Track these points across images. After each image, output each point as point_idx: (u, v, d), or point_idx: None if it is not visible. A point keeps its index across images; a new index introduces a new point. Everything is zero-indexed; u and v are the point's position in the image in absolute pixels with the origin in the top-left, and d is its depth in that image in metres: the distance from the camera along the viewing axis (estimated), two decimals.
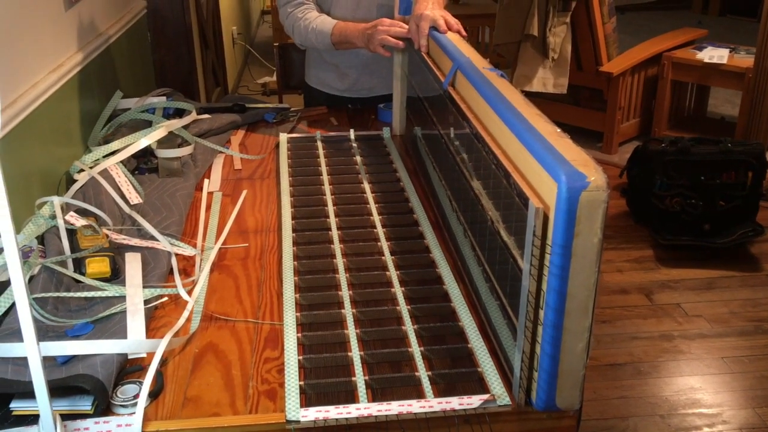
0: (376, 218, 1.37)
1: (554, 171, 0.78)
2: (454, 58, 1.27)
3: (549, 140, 0.85)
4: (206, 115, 1.86)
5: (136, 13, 2.32)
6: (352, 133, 1.82)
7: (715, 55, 3.77)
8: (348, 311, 1.07)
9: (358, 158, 1.67)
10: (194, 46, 3.00)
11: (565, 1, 3.66)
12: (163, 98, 1.89)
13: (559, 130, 0.90)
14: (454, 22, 1.50)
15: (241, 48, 5.75)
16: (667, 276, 2.67)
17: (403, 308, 1.08)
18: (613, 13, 3.85)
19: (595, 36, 3.79)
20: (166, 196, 1.42)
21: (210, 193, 1.51)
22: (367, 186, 1.52)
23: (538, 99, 4.15)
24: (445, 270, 1.19)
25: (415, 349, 0.98)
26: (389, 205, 1.43)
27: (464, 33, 1.50)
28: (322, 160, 1.66)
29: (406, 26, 1.65)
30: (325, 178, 1.55)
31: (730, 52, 3.88)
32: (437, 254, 1.23)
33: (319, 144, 1.76)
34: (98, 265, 1.11)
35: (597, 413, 1.94)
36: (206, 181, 1.56)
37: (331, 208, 1.41)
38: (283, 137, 1.79)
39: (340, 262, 1.21)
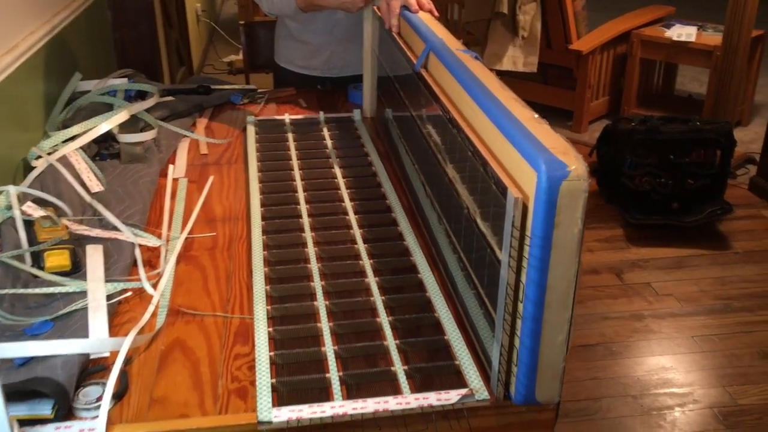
0: (348, 205, 1.34)
1: (533, 160, 0.75)
2: (427, 39, 1.23)
3: (527, 127, 0.82)
4: (170, 98, 1.80)
5: None
6: (321, 116, 1.77)
7: (683, 32, 3.78)
8: (321, 303, 1.03)
9: (329, 142, 1.63)
10: (156, 24, 2.91)
11: None
12: (125, 80, 1.82)
13: (536, 115, 0.88)
14: (426, 2, 1.46)
15: (205, 26, 5.63)
16: (637, 255, 2.68)
17: (378, 299, 1.05)
18: None
19: (565, 14, 3.77)
20: (129, 183, 1.36)
21: (175, 180, 1.46)
22: (338, 171, 1.48)
23: (507, 77, 4.13)
24: (419, 258, 1.16)
25: (390, 342, 0.96)
26: (361, 191, 1.40)
27: (436, 13, 1.46)
28: (291, 144, 1.61)
29: None
30: (295, 163, 1.51)
31: (698, 29, 3.89)
32: (411, 242, 1.21)
33: (288, 127, 1.72)
34: (58, 259, 1.06)
35: (569, 395, 1.94)
36: (171, 167, 1.51)
37: (301, 195, 1.37)
38: (251, 120, 1.74)
39: (311, 251, 1.18)
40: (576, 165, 0.74)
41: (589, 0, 4.07)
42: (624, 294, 2.43)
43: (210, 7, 6.07)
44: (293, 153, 1.56)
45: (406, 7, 1.46)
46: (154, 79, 2.55)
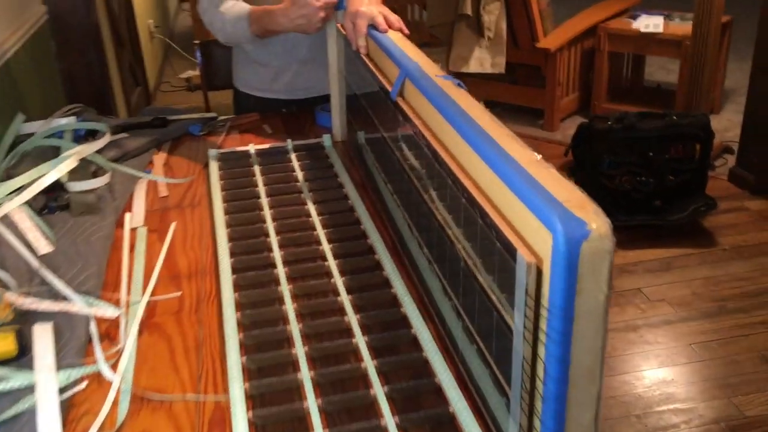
0: (326, 247, 1.22)
1: (546, 218, 0.65)
2: (401, 65, 1.12)
3: (532, 174, 0.72)
4: (123, 135, 1.67)
5: (36, 21, 2.09)
6: (289, 144, 1.65)
7: (650, 23, 3.73)
8: (305, 375, 0.92)
9: (299, 173, 1.51)
10: (105, 48, 2.77)
11: None
12: (73, 118, 1.68)
13: (538, 156, 0.77)
14: (395, 19, 1.35)
15: (160, 42, 5.46)
16: (624, 259, 2.60)
17: (369, 364, 0.94)
18: None
19: (530, 11, 3.69)
20: (81, 240, 1.23)
21: (133, 230, 1.33)
22: (312, 208, 1.36)
23: (475, 79, 4.05)
24: (410, 308, 1.05)
25: (388, 418, 0.84)
26: (339, 230, 1.29)
27: (406, 31, 1.35)
28: (259, 179, 1.49)
29: None
30: (264, 201, 1.39)
31: (665, 19, 3.84)
32: (399, 289, 1.10)
33: (254, 159, 1.59)
34: (1, 344, 0.93)
35: None
36: (127, 215, 1.38)
37: (274, 239, 1.25)
38: (213, 155, 1.61)
39: (289, 308, 1.06)
40: (597, 222, 0.63)
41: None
42: (616, 302, 2.35)
43: (163, 22, 5.90)
44: (261, 189, 1.44)
45: (373, 26, 1.35)
46: (107, 109, 2.41)
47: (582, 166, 3.13)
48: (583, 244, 0.63)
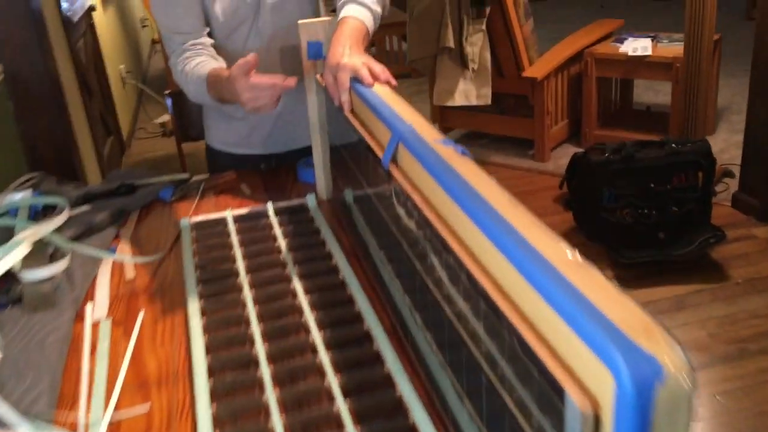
0: (317, 336, 1.07)
1: (604, 353, 0.50)
2: (393, 128, 0.98)
3: (572, 281, 0.57)
4: (85, 207, 1.52)
5: None
6: (270, 207, 1.51)
7: (638, 46, 3.64)
8: None
9: (282, 242, 1.36)
10: (69, 103, 2.62)
11: (478, 7, 3.44)
12: (29, 191, 1.53)
13: (572, 252, 0.63)
14: (381, 70, 1.21)
15: (133, 87, 5.33)
16: (634, 298, 2.46)
17: None
18: (529, 14, 3.67)
19: (514, 41, 3.59)
20: (34, 345, 1.07)
21: (95, 324, 1.17)
22: (298, 285, 1.21)
23: (461, 111, 3.94)
24: (420, 415, 0.90)
25: None
26: (331, 313, 1.14)
27: (394, 82, 1.22)
28: (237, 252, 1.34)
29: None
30: (244, 280, 1.24)
31: (653, 41, 3.76)
32: (405, 388, 0.95)
33: (231, 226, 1.45)
34: None
35: None
36: (89, 305, 1.22)
37: (256, 329, 1.10)
38: (185, 225, 1.46)
39: (277, 421, 0.91)
40: (671, 355, 0.49)
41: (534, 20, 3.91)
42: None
43: (136, 66, 5.78)
44: (240, 265, 1.29)
45: (357, 79, 1.21)
46: (71, 173, 2.26)
47: (579, 198, 3.01)
48: (656, 388, 0.48)
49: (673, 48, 3.59)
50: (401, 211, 1.01)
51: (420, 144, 0.90)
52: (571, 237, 2.96)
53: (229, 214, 1.49)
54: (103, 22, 4.55)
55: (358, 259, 1.31)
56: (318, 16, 1.67)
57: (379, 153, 1.03)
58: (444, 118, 4.13)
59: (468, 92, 3.63)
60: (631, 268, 2.64)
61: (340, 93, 1.22)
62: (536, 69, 3.62)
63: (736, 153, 3.61)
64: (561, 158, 3.90)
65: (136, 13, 6.54)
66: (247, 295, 1.19)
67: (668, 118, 3.89)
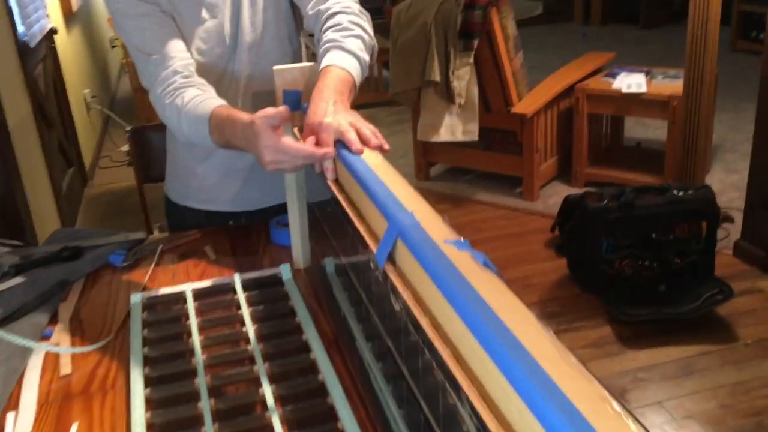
0: None
1: None
2: (391, 218, 0.79)
3: None
4: (18, 279, 1.31)
5: None
6: (237, 280, 1.31)
7: (632, 83, 3.50)
8: None
9: (250, 329, 1.16)
10: (13, 146, 2.40)
11: (466, 40, 3.29)
12: None
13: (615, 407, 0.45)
14: (371, 133, 1.02)
15: (98, 112, 5.10)
16: (636, 362, 2.29)
17: None
18: (519, 47, 3.52)
19: (503, 75, 3.44)
20: None
21: None
22: (267, 390, 1.01)
23: (446, 145, 3.77)
24: None
25: None
26: (309, 426, 0.94)
27: (387, 146, 1.03)
28: (196, 339, 1.13)
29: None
30: (201, 381, 1.03)
31: (646, 76, 3.63)
32: None
33: (191, 304, 1.24)
34: None
35: None
36: (9, 416, 1.01)
37: None
38: (136, 301, 1.25)
39: None
40: None
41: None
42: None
43: (103, 89, 5.55)
44: (199, 357, 1.09)
45: (342, 142, 1.02)
46: (18, 226, 2.04)
47: (574, 246, 2.84)
48: None
49: (669, 85, 3.46)
50: (398, 307, 0.82)
51: (427, 246, 0.71)
52: (564, 286, 2.79)
53: (188, 289, 1.29)
54: (67, 45, 4.33)
55: (340, 351, 1.11)
56: (299, 58, 1.48)
57: (372, 244, 0.84)
58: (428, 152, 3.96)
59: (454, 128, 3.47)
60: (631, 324, 2.47)
61: (323, 161, 1.03)
62: (526, 105, 3.47)
63: (734, 195, 3.48)
64: (550, 197, 3.74)
65: (105, 33, 6.32)
66: (206, 404, 0.98)
67: (662, 156, 3.76)
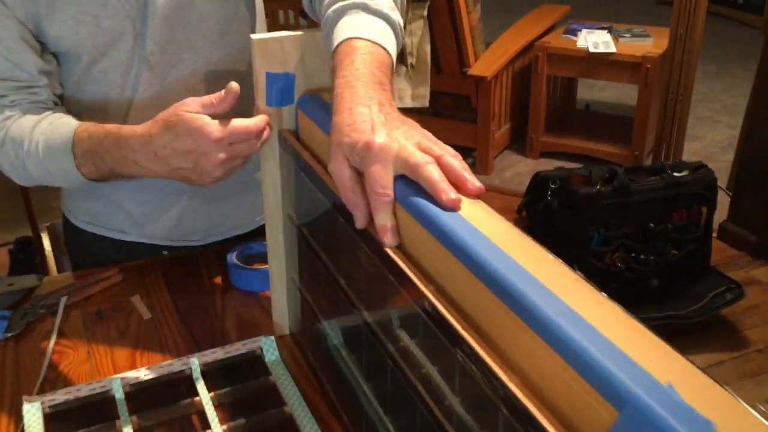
0: None
1: None
2: (620, 391, 0.37)
3: None
4: None
5: None
6: (194, 365, 0.86)
7: (598, 41, 3.17)
8: None
9: None
10: None
11: None
12: None
13: None
14: (460, 165, 0.59)
15: None
16: None
17: None
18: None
19: (459, 31, 3.03)
20: None
21: None
22: None
23: None
24: None
25: None
26: None
27: (478, 184, 0.59)
28: None
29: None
30: None
31: (611, 34, 3.30)
32: None
33: (124, 415, 0.79)
34: None
35: None
36: None
37: None
38: (32, 413, 0.79)
39: None
40: None
41: None
42: None
43: None
44: None
45: (405, 177, 0.58)
46: None
47: (555, 236, 2.50)
48: None
49: (639, 44, 3.14)
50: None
51: None
52: None
53: (116, 386, 0.83)
54: None
55: None
56: (249, 16, 1.00)
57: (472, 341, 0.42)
58: None
59: (402, 92, 3.03)
60: None
61: (376, 208, 0.59)
62: (483, 66, 3.07)
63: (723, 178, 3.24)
64: (505, 170, 3.40)
65: None
66: None
67: (623, 123, 3.48)
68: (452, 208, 0.54)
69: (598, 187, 2.26)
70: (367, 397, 0.70)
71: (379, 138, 0.59)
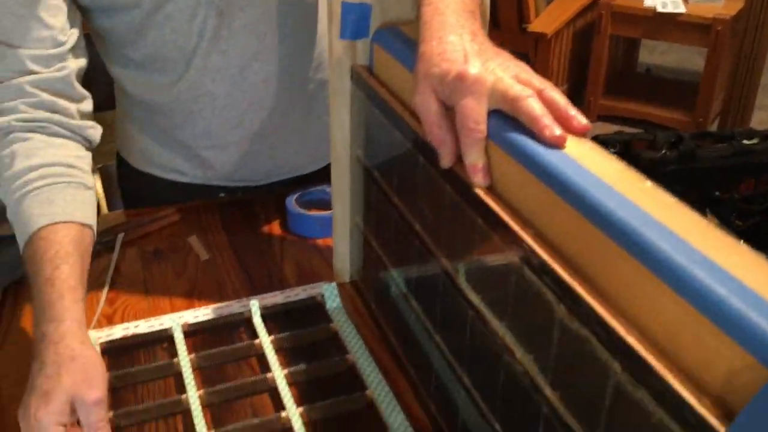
0: None
1: None
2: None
3: None
4: None
5: None
6: (254, 307, 0.83)
7: (667, 1, 3.04)
8: None
9: (288, 398, 0.70)
10: None
11: None
12: None
13: None
14: (562, 99, 0.54)
15: None
16: None
17: None
18: None
19: None
20: None
21: None
22: None
23: None
24: None
25: None
26: None
27: (584, 122, 0.54)
28: (200, 422, 0.67)
29: None
30: None
31: None
32: None
33: (182, 353, 0.77)
34: None
35: None
36: None
37: None
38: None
39: None
40: None
41: None
42: None
43: None
44: None
45: (503, 115, 0.54)
46: None
47: None
48: None
49: (709, 6, 3.01)
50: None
51: None
52: None
53: (174, 324, 0.81)
54: None
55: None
56: None
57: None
58: None
59: None
60: None
61: (466, 145, 0.55)
62: (544, 22, 2.98)
63: None
64: None
65: None
66: None
67: (687, 88, 3.35)
68: (557, 145, 0.50)
69: (663, 151, 2.18)
70: (440, 349, 0.66)
71: (473, 69, 0.54)
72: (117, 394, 0.73)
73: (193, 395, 0.69)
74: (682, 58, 4.22)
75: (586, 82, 3.34)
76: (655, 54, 4.35)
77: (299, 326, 0.82)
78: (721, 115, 2.86)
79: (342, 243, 0.90)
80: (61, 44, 0.81)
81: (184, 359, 0.74)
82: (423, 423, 0.69)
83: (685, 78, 3.74)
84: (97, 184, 1.66)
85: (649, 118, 3.24)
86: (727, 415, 0.34)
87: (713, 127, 3.07)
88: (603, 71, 3.27)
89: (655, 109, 3.25)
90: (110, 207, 1.57)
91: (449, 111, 0.56)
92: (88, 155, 0.84)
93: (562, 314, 0.45)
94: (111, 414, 0.68)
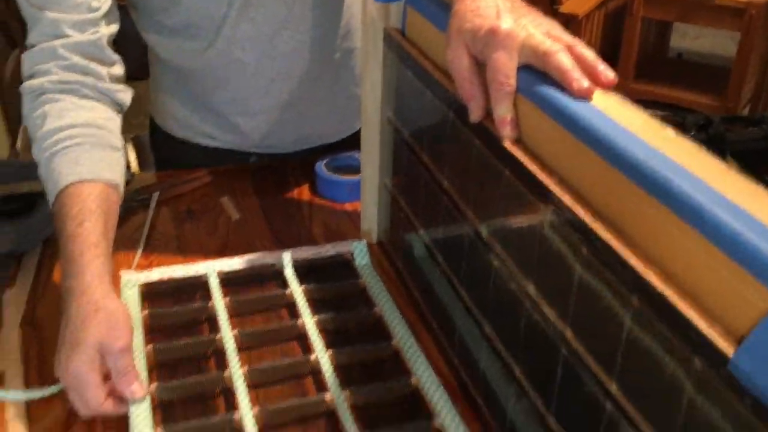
0: None
1: None
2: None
3: None
4: None
5: None
6: (286, 260, 0.86)
7: None
8: None
9: (317, 343, 0.73)
10: None
11: None
12: None
13: None
14: (591, 55, 0.56)
15: None
16: None
17: None
18: None
19: None
20: None
21: None
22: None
23: None
24: None
25: None
26: None
27: (611, 75, 0.56)
28: (232, 357, 0.71)
29: None
30: (248, 415, 0.62)
31: None
32: None
33: (218, 298, 0.80)
34: None
35: None
36: None
37: None
38: (128, 288, 0.81)
39: None
40: None
41: None
42: None
43: None
44: (241, 386, 0.66)
45: (533, 70, 0.56)
46: None
47: None
48: None
49: None
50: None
51: None
52: None
53: (210, 271, 0.84)
54: None
55: (457, 375, 0.69)
56: None
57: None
58: None
59: None
60: None
61: (496, 99, 0.57)
62: (576, 3, 2.97)
63: None
64: None
65: None
66: None
67: (719, 73, 3.32)
68: (585, 96, 0.52)
69: (692, 134, 2.17)
70: (464, 303, 0.69)
71: (506, 24, 0.57)
72: (152, 333, 0.76)
73: (227, 335, 0.72)
74: (714, 43, 4.17)
75: (617, 65, 3.32)
76: (687, 39, 4.31)
77: (329, 280, 0.85)
78: (752, 101, 2.84)
79: (370, 204, 0.93)
80: (96, 10, 0.84)
81: (219, 303, 0.78)
82: (446, 376, 0.72)
83: (717, 63, 3.70)
84: (131, 154, 1.71)
85: (679, 103, 3.22)
86: (738, 341, 0.36)
87: (745, 112, 3.05)
88: (634, 54, 3.25)
89: (686, 93, 3.23)
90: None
91: (481, 67, 0.59)
92: (118, 118, 0.87)
93: (586, 261, 0.48)
94: (149, 347, 0.72)
